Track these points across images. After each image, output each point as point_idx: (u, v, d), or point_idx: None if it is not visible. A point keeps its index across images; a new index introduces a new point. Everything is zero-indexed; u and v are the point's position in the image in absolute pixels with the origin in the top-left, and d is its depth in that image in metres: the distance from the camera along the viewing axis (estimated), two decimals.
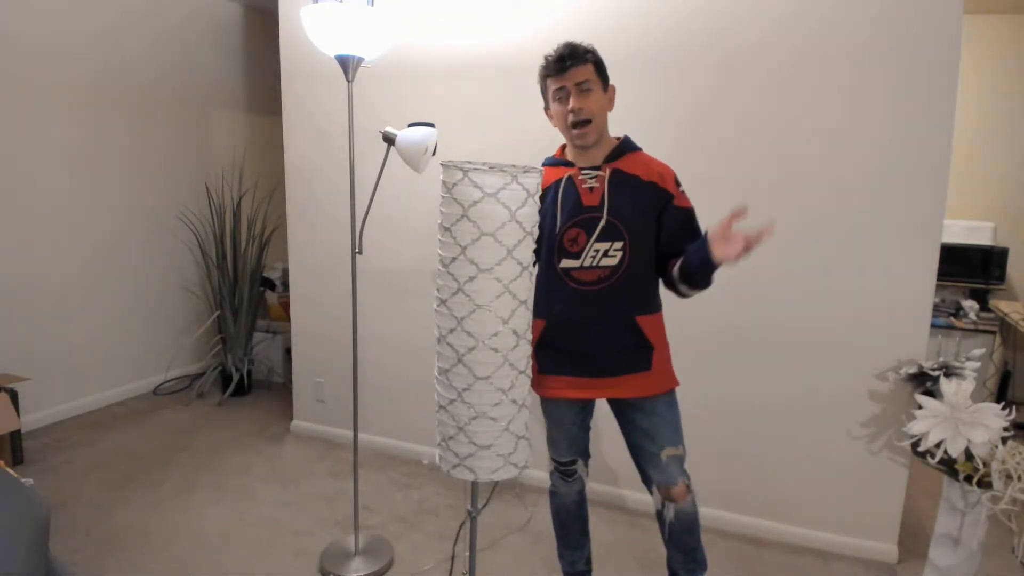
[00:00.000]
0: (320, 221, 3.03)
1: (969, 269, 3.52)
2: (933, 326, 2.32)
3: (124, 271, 3.55)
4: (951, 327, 3.33)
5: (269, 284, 4.02)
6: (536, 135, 2.55)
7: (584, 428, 1.82)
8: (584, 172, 1.64)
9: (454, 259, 1.35)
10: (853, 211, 2.17)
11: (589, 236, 1.61)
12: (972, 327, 3.32)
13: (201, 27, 3.89)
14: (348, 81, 1.98)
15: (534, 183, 1.35)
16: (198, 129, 3.95)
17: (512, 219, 1.33)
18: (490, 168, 1.32)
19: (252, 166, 4.28)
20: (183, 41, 3.77)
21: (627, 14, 2.34)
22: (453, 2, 2.60)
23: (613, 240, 1.61)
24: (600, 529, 2.39)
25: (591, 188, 1.62)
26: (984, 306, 3.52)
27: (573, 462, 1.82)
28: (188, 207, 3.88)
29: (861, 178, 2.15)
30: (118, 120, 3.43)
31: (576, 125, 1.58)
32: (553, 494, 1.90)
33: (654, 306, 1.70)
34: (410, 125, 1.93)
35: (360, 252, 2.10)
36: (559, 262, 1.64)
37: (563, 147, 1.74)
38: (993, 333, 3.33)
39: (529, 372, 1.47)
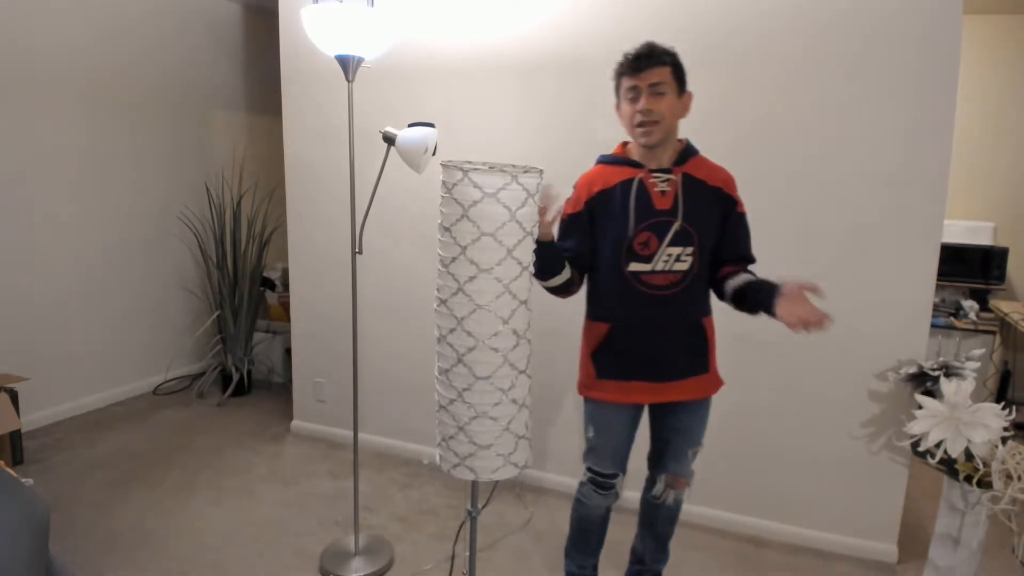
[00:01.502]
0: (320, 221, 3.03)
1: (969, 269, 3.52)
2: (933, 326, 2.32)
3: (124, 271, 3.55)
4: (951, 327, 3.33)
5: (269, 284, 4.02)
6: (537, 135, 2.55)
7: (631, 438, 1.78)
8: (655, 175, 1.60)
9: (454, 259, 1.35)
10: (853, 211, 2.17)
11: (661, 240, 1.59)
12: (972, 327, 3.32)
13: (201, 27, 3.89)
14: (348, 81, 1.98)
15: (534, 183, 1.35)
16: (198, 129, 3.95)
17: (512, 219, 1.33)
18: (490, 168, 1.32)
19: (252, 166, 4.28)
20: (183, 41, 3.76)
21: (630, 18, 2.34)
22: (453, 2, 2.60)
23: (685, 245, 1.60)
24: None
25: (663, 192, 1.59)
26: (984, 306, 3.52)
27: (615, 475, 1.75)
28: (188, 207, 3.88)
29: (861, 178, 2.15)
30: (118, 120, 3.43)
31: (642, 124, 1.54)
32: (580, 503, 1.83)
33: (710, 307, 1.72)
34: (410, 125, 1.92)
35: (360, 252, 2.10)
36: (628, 265, 1.61)
37: (623, 145, 1.71)
38: (993, 333, 3.33)
39: (529, 372, 1.47)
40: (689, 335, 1.67)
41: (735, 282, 1.64)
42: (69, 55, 3.14)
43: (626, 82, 1.56)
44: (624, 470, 1.77)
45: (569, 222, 1.67)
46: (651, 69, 1.52)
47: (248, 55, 4.26)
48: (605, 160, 1.70)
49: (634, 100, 1.55)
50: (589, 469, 1.76)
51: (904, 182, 2.10)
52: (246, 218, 3.78)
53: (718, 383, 1.73)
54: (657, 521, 1.86)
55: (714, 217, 1.64)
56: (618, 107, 1.63)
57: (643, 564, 1.92)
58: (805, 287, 1.45)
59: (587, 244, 1.66)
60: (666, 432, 1.75)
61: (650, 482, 1.85)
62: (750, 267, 1.70)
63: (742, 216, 1.68)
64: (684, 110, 1.60)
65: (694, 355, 1.68)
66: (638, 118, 1.54)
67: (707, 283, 1.69)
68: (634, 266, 1.60)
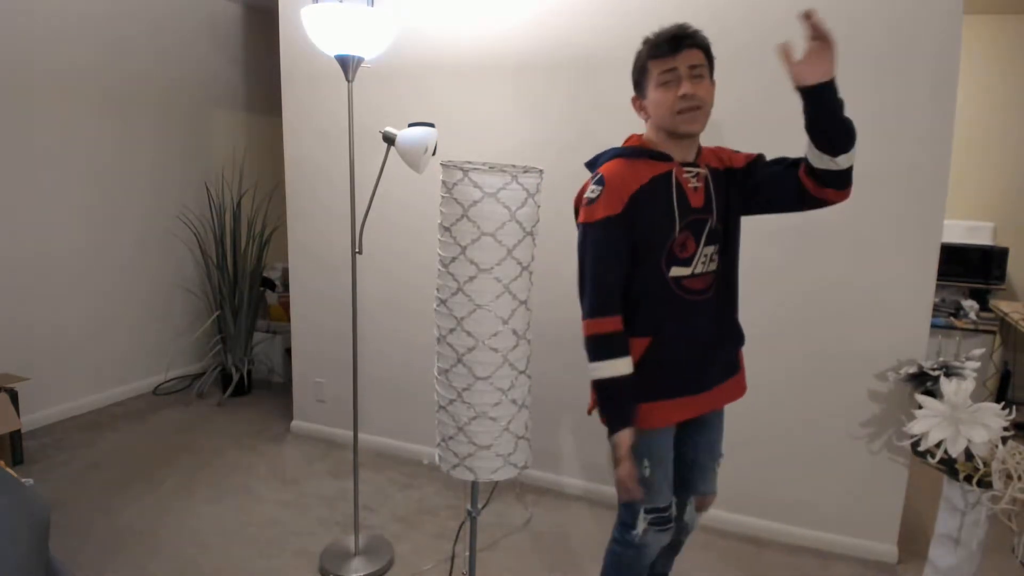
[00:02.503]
0: (320, 221, 3.03)
1: (969, 269, 3.52)
2: (933, 326, 2.32)
3: (124, 271, 3.55)
4: (951, 327, 3.33)
5: (269, 284, 4.02)
6: (537, 135, 2.55)
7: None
8: (687, 169, 1.46)
9: (454, 259, 1.35)
10: (853, 211, 2.16)
11: (698, 241, 1.46)
12: (972, 327, 3.32)
13: (201, 27, 3.89)
14: (348, 81, 1.98)
15: (534, 183, 1.35)
16: (198, 129, 3.95)
17: (512, 219, 1.33)
18: (490, 168, 1.32)
19: (252, 166, 4.28)
20: (183, 41, 3.76)
21: (631, 18, 2.34)
22: (453, 1, 2.60)
23: (716, 243, 1.50)
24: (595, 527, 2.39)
25: (695, 188, 1.46)
26: (984, 306, 3.52)
27: (671, 504, 1.56)
28: (188, 207, 3.88)
29: (861, 178, 2.14)
30: (118, 120, 3.43)
31: (685, 110, 1.37)
32: (633, 548, 1.56)
33: (738, 302, 1.63)
34: (410, 125, 1.92)
35: (360, 252, 2.10)
36: (669, 270, 1.45)
37: (638, 137, 1.53)
38: (993, 333, 3.33)
39: (529, 372, 1.47)
40: (728, 338, 1.59)
41: (805, 161, 1.47)
42: (69, 56, 3.14)
43: (658, 66, 1.39)
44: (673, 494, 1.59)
45: (609, 225, 1.39)
46: (690, 50, 1.38)
47: (248, 55, 4.26)
48: (623, 153, 1.49)
49: (671, 84, 1.38)
50: (649, 511, 1.51)
51: (904, 182, 2.10)
52: (246, 218, 3.78)
53: (745, 381, 1.66)
54: (681, 536, 1.75)
55: (736, 204, 1.53)
56: (642, 97, 1.45)
57: (652, 569, 1.83)
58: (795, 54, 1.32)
59: (626, 260, 1.43)
60: (692, 451, 1.63)
61: (679, 508, 1.66)
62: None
63: (760, 156, 1.55)
64: (713, 98, 1.43)
65: (728, 356, 1.60)
66: (680, 104, 1.37)
67: (734, 279, 1.59)
68: (675, 271, 1.45)
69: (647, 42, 1.43)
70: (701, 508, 1.70)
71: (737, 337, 1.62)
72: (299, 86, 2.97)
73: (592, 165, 1.56)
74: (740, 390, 1.64)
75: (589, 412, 1.58)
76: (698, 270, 1.48)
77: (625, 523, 1.56)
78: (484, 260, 1.33)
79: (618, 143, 1.57)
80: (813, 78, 1.34)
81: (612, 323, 1.40)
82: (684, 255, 1.45)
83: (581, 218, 1.44)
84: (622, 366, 1.39)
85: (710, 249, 1.49)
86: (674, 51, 1.37)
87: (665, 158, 1.45)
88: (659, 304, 1.45)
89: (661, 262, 1.44)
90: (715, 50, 1.45)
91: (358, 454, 2.22)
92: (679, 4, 2.26)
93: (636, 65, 1.46)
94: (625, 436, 1.38)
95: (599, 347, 1.40)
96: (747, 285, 2.27)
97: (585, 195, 1.44)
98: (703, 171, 1.48)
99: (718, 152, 1.56)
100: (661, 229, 1.43)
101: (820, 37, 1.29)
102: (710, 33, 1.45)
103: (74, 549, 2.15)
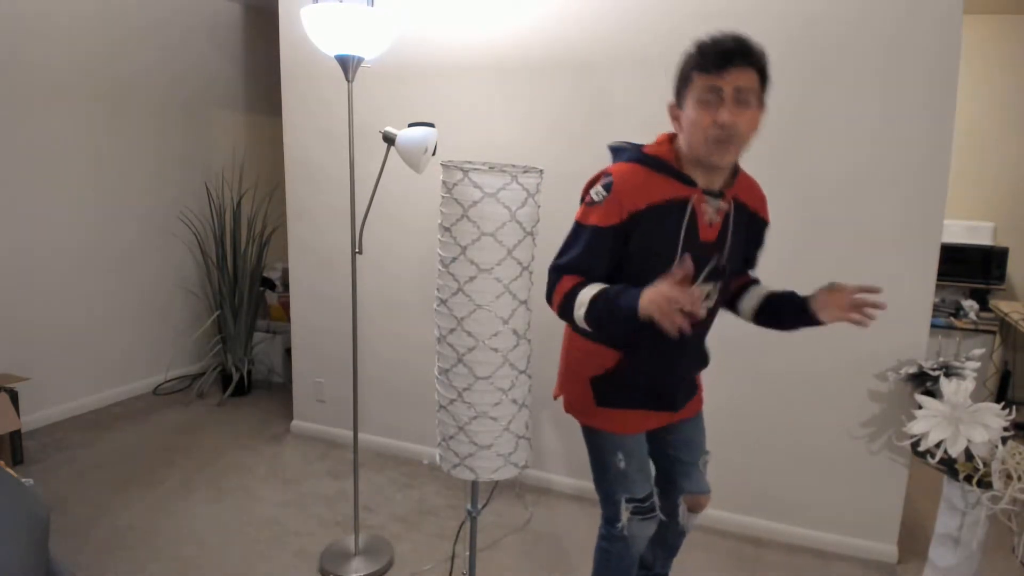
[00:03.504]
0: (320, 221, 3.03)
1: (969, 269, 3.52)
2: (933, 326, 2.32)
3: (124, 271, 3.55)
4: (951, 327, 3.33)
5: (269, 284, 4.02)
6: (537, 135, 2.55)
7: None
8: (708, 199, 1.35)
9: (454, 259, 1.35)
10: (853, 211, 2.17)
11: (697, 276, 1.37)
12: (972, 327, 3.32)
13: (201, 27, 3.89)
14: (348, 81, 1.98)
15: (534, 183, 1.35)
16: (198, 129, 3.95)
17: (512, 219, 1.33)
18: (490, 168, 1.32)
19: (252, 166, 4.28)
20: (183, 41, 3.77)
21: (632, 18, 2.34)
22: (453, 1, 2.60)
23: (716, 280, 1.41)
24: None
25: (711, 222, 1.35)
26: (984, 306, 3.52)
27: (652, 494, 1.56)
28: (188, 207, 3.88)
29: (861, 178, 2.15)
30: (117, 120, 3.43)
31: (720, 140, 1.25)
32: (620, 541, 1.56)
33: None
34: (410, 125, 1.93)
35: (360, 252, 2.10)
36: None
37: (669, 140, 1.38)
38: (993, 333, 3.33)
39: (529, 372, 1.47)
40: (696, 364, 1.57)
41: (751, 299, 1.53)
42: (68, 56, 3.14)
43: (702, 80, 1.24)
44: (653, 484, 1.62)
45: (598, 235, 1.32)
46: (740, 70, 1.21)
47: (248, 55, 4.26)
48: (645, 161, 1.36)
49: (710, 106, 1.24)
50: (629, 500, 1.52)
51: (904, 182, 2.10)
52: (246, 218, 3.78)
53: (702, 396, 1.66)
54: (675, 539, 1.75)
55: (746, 245, 1.47)
56: (678, 107, 1.32)
57: (651, 570, 1.85)
58: (843, 295, 1.34)
59: (610, 266, 1.36)
60: (670, 448, 1.63)
61: (670, 510, 1.66)
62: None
63: (766, 226, 1.51)
64: (758, 126, 1.29)
65: (692, 379, 1.59)
66: (714, 131, 1.24)
67: (716, 311, 1.53)
68: None
69: (697, 47, 1.27)
70: (695, 509, 1.67)
71: (702, 361, 1.60)
72: (299, 86, 2.97)
73: (615, 153, 1.46)
74: (698, 404, 1.65)
75: (555, 397, 1.63)
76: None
77: (608, 518, 1.57)
78: (484, 260, 1.33)
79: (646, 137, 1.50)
80: (828, 319, 1.39)
81: (575, 279, 1.34)
82: None
83: (578, 215, 1.38)
84: (591, 289, 1.30)
85: (708, 286, 1.40)
86: (722, 68, 1.22)
87: (688, 181, 1.33)
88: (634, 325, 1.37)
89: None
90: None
91: (358, 454, 2.22)
92: (681, 10, 2.26)
93: (680, 71, 1.30)
94: (650, 296, 1.18)
95: (569, 298, 1.32)
96: None
97: (591, 193, 1.36)
98: (725, 206, 1.37)
99: (753, 187, 1.47)
100: (657, 257, 1.33)
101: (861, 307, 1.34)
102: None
103: (74, 549, 2.15)
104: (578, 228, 1.36)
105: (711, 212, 1.35)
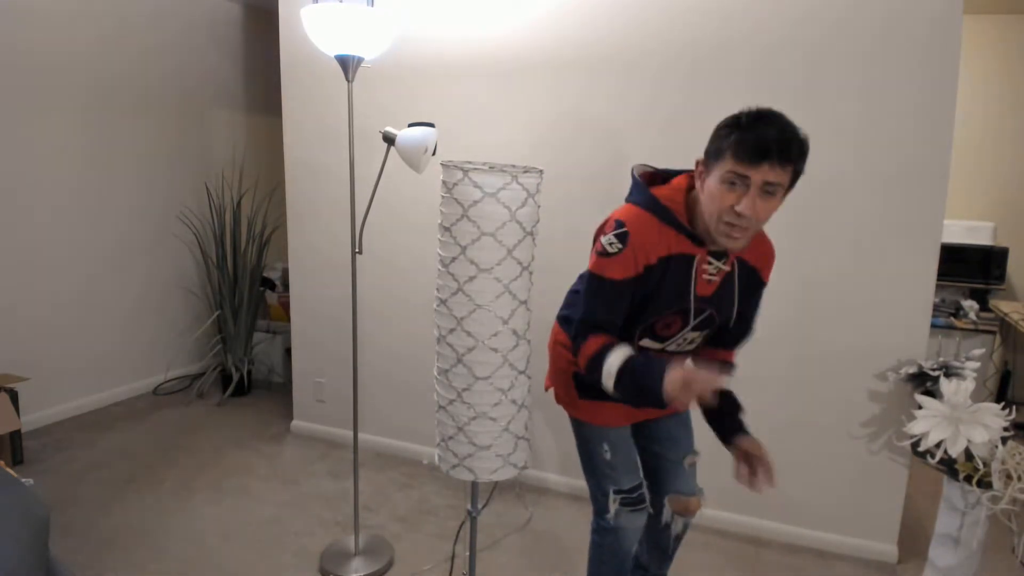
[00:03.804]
0: (320, 221, 3.03)
1: (969, 269, 3.52)
2: (933, 326, 2.32)
3: (124, 271, 3.55)
4: (951, 327, 3.33)
5: (269, 284, 4.02)
6: (537, 135, 2.55)
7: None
8: (711, 260, 1.37)
9: (454, 259, 1.35)
10: (853, 211, 2.17)
11: (685, 325, 1.42)
12: (972, 327, 3.32)
13: (201, 27, 3.89)
14: (348, 81, 1.98)
15: (534, 183, 1.35)
16: (198, 129, 3.95)
17: (512, 219, 1.33)
18: (490, 168, 1.32)
19: (252, 166, 4.28)
20: (183, 41, 3.76)
21: (632, 18, 2.34)
22: (454, 1, 2.60)
23: (704, 329, 1.45)
24: None
25: (709, 280, 1.39)
26: (984, 306, 3.52)
27: (640, 484, 1.58)
28: (188, 207, 3.88)
29: (861, 178, 2.15)
30: (118, 120, 3.43)
31: (733, 225, 1.23)
32: (611, 533, 1.58)
33: None
34: (410, 125, 1.93)
35: (360, 252, 2.10)
36: (639, 340, 1.44)
37: (686, 184, 1.37)
38: (993, 333, 3.33)
39: (529, 372, 1.47)
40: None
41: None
42: (68, 55, 3.14)
43: (733, 164, 1.20)
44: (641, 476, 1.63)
45: (616, 289, 1.34)
46: (774, 166, 1.18)
47: (248, 55, 4.26)
48: (659, 213, 1.34)
49: (734, 188, 1.21)
50: (618, 492, 1.55)
51: (904, 182, 2.10)
52: (246, 218, 3.78)
53: None
54: (671, 547, 1.72)
55: (740, 300, 1.46)
56: (705, 171, 1.28)
57: (647, 571, 1.84)
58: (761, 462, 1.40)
59: (626, 314, 1.38)
60: (655, 444, 1.64)
61: (655, 507, 1.66)
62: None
63: (762, 286, 1.49)
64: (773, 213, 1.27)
65: None
66: (729, 217, 1.22)
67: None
68: (646, 343, 1.45)
69: (738, 126, 1.21)
70: (684, 512, 1.62)
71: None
72: (299, 86, 2.97)
73: (634, 186, 1.42)
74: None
75: (546, 389, 1.69)
76: (671, 348, 1.47)
77: (598, 510, 1.60)
78: (484, 260, 1.33)
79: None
80: (733, 452, 1.45)
81: (601, 340, 1.35)
82: (665, 333, 1.43)
83: (592, 264, 1.37)
84: (617, 358, 1.31)
85: (694, 335, 1.45)
86: (757, 163, 1.18)
87: (697, 241, 1.34)
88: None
89: (637, 332, 1.42)
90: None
91: (358, 454, 2.22)
92: (680, 10, 2.26)
93: (716, 139, 1.26)
94: (673, 379, 1.20)
95: (596, 363, 1.33)
96: None
97: (603, 242, 1.34)
98: (726, 268, 1.39)
99: (761, 246, 1.45)
100: (655, 304, 1.36)
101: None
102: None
103: (74, 549, 2.15)
104: (595, 281, 1.37)
105: (711, 273, 1.38)
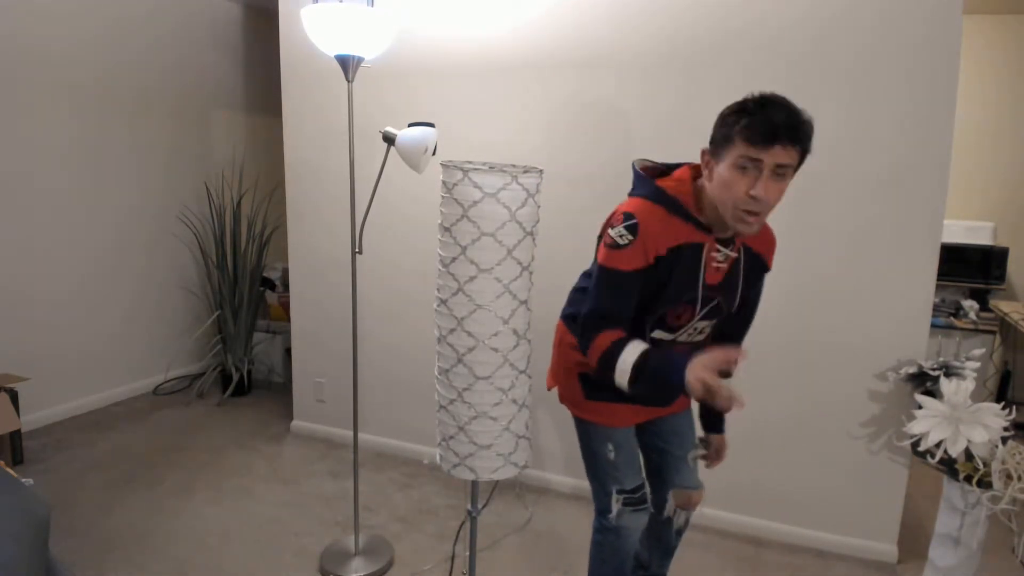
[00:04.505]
0: (320, 221, 3.03)
1: (969, 269, 3.52)
2: (933, 326, 2.32)
3: (124, 271, 3.55)
4: (951, 327, 3.33)
5: (269, 284, 4.02)
6: (537, 135, 2.55)
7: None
8: (719, 247, 1.38)
9: (454, 259, 1.35)
10: (853, 211, 2.17)
11: (695, 314, 1.43)
12: (972, 327, 3.32)
13: (201, 27, 3.89)
14: (348, 81, 1.98)
15: (534, 183, 1.35)
16: (198, 129, 3.95)
17: (512, 219, 1.33)
18: (490, 168, 1.32)
19: (252, 166, 4.28)
20: (183, 41, 3.76)
21: (631, 17, 2.34)
22: (454, 1, 2.60)
23: (713, 318, 1.46)
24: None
25: (717, 268, 1.40)
26: (984, 306, 3.52)
27: (643, 485, 1.59)
28: (188, 207, 3.88)
29: (861, 178, 2.15)
30: (118, 120, 3.43)
31: (750, 211, 1.25)
32: (613, 532, 1.57)
33: None
34: (410, 125, 1.93)
35: (360, 252, 2.10)
36: (651, 332, 1.44)
37: (691, 176, 1.38)
38: (993, 333, 3.33)
39: (529, 372, 1.47)
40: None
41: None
42: (69, 55, 3.14)
43: (744, 149, 1.21)
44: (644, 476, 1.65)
45: (626, 280, 1.34)
46: (785, 147, 1.19)
47: (248, 55, 4.26)
48: (666, 203, 1.35)
49: (747, 173, 1.22)
50: (621, 491, 1.54)
51: (904, 182, 2.10)
52: (246, 218, 3.78)
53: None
54: (672, 541, 1.74)
55: (744, 286, 1.47)
56: (714, 160, 1.28)
57: (647, 570, 1.85)
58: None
59: (636, 306, 1.39)
60: (659, 439, 1.65)
61: (657, 503, 1.68)
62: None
63: (766, 271, 1.51)
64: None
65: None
66: (745, 203, 1.23)
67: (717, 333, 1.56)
68: (658, 334, 1.45)
69: (746, 111, 1.22)
70: (686, 505, 1.64)
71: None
72: (299, 86, 2.97)
73: (637, 180, 1.43)
74: (689, 400, 1.64)
75: (549, 388, 1.69)
76: (682, 339, 1.48)
77: (600, 509, 1.60)
78: (484, 260, 1.33)
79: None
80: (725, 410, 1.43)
81: (613, 335, 1.34)
82: (675, 324, 1.44)
83: (601, 257, 1.37)
84: (632, 354, 1.31)
85: (704, 324, 1.46)
86: (769, 144, 1.19)
87: (704, 228, 1.35)
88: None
89: (648, 324, 1.42)
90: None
91: (358, 454, 2.22)
92: (679, 9, 2.26)
93: (723, 126, 1.26)
94: (695, 375, 1.22)
95: (608, 359, 1.33)
96: None
97: (612, 235, 1.34)
98: (735, 254, 1.40)
99: (764, 232, 1.47)
100: (666, 294, 1.37)
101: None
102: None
103: (74, 549, 2.15)
104: (604, 273, 1.36)
105: (719, 260, 1.39)
